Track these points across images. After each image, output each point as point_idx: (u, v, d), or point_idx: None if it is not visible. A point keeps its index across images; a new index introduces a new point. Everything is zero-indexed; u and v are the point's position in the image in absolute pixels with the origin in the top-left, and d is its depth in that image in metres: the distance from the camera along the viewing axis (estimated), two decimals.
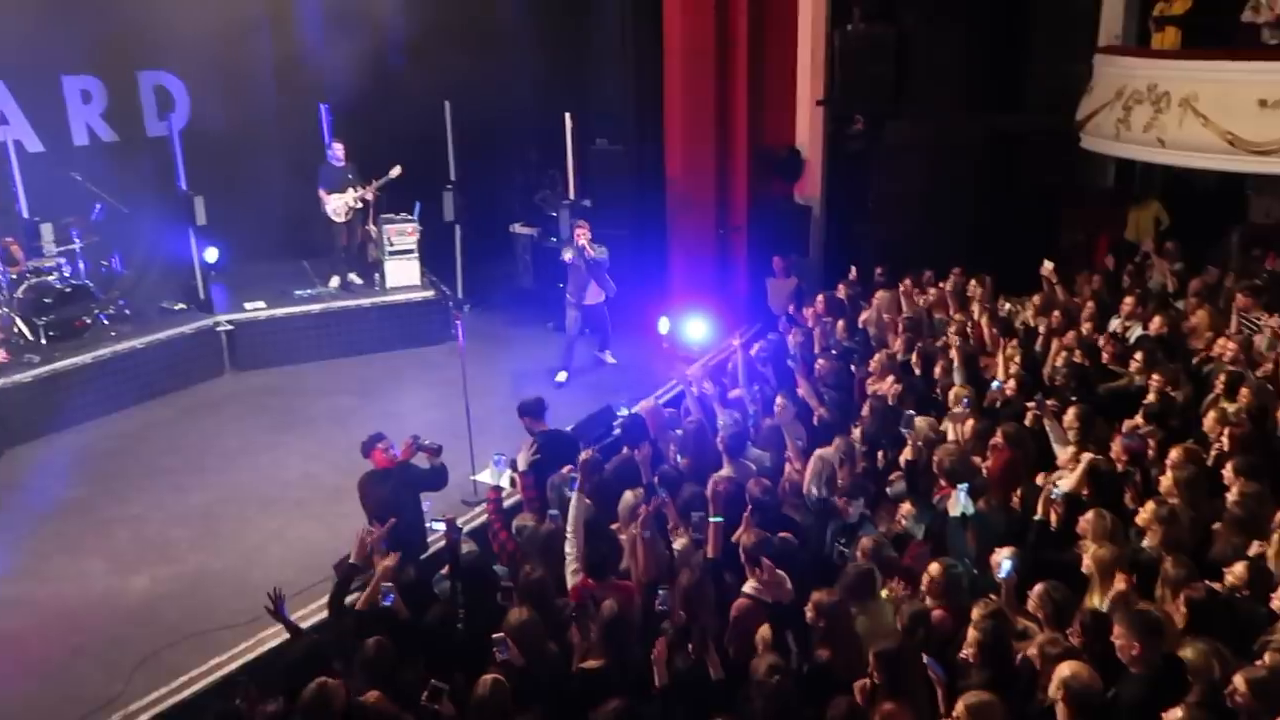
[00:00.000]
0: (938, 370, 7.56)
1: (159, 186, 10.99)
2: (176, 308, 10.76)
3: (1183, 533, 4.95)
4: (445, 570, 5.65)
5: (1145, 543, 4.95)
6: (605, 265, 10.22)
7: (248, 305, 10.93)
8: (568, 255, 10.26)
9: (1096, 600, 4.47)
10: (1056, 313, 8.22)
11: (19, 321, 9.61)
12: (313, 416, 9.64)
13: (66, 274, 9.95)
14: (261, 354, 10.75)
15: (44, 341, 9.60)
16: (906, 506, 5.68)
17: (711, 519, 5.21)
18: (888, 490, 6.16)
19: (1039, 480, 5.78)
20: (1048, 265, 8.93)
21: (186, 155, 10.61)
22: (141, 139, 11.44)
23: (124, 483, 8.44)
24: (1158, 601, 4.44)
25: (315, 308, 11.10)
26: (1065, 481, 5.50)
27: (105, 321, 10.09)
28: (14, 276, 9.63)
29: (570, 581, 5.19)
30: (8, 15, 9.96)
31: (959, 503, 5.15)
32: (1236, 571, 4.47)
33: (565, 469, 6.15)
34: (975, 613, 4.22)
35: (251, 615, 6.40)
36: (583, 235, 10.12)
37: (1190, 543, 4.95)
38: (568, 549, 5.28)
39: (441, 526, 5.62)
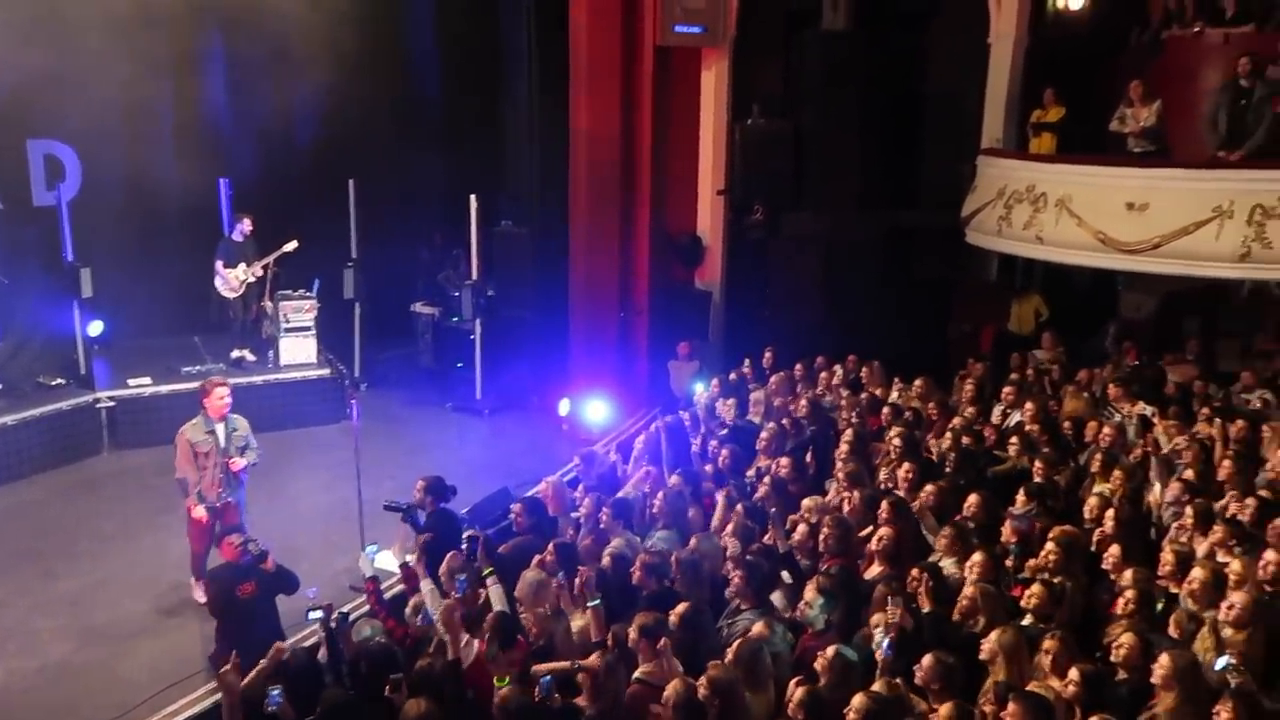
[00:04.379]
0: (829, 452, 7.70)
1: (44, 257, 10.60)
2: (54, 383, 10.31)
3: (1065, 610, 5.10)
4: (326, 657, 5.40)
5: (1028, 621, 5.06)
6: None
7: (132, 381, 10.53)
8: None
9: (1001, 677, 4.52)
10: (937, 398, 8.51)
11: None
12: None
13: None
14: (144, 432, 10.26)
15: None
16: (810, 594, 5.60)
17: (590, 604, 5.17)
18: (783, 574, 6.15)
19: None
20: None
21: (77, 226, 10.30)
22: (27, 208, 11.03)
23: None
24: (1040, 677, 4.53)
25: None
26: (970, 573, 5.53)
27: None
28: None
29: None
30: None
31: (882, 647, 4.78)
32: (1125, 647, 4.57)
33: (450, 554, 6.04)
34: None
35: (118, 711, 6.04)
36: (218, 397, 7.26)
37: (1074, 620, 5.09)
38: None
39: (319, 614, 5.25)
